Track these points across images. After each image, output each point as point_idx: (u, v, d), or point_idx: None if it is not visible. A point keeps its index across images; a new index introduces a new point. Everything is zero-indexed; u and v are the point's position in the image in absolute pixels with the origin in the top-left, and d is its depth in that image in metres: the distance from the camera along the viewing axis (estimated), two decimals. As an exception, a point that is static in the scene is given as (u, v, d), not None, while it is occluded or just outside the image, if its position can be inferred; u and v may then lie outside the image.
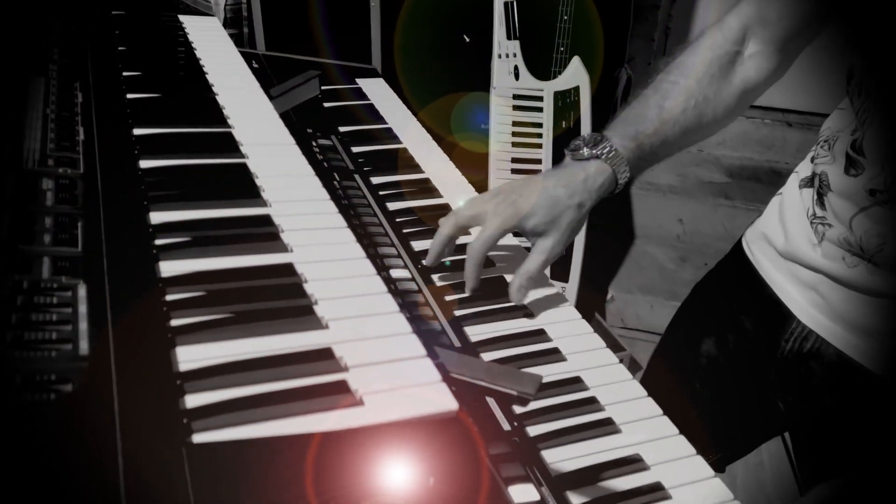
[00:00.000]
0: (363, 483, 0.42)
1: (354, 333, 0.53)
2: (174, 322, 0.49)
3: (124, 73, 0.87)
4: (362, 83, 1.33)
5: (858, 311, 0.75)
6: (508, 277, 0.88)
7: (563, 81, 1.88)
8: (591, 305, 2.02)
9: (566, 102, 1.88)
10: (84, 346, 0.44)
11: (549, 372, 0.79)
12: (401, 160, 1.11)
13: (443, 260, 0.86)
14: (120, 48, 0.93)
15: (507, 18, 1.81)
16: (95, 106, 0.74)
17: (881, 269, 0.72)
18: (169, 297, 0.51)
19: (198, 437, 0.41)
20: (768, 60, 0.84)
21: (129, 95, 0.82)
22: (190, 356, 0.47)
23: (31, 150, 0.62)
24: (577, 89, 1.87)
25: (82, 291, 0.47)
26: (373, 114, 1.23)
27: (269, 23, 1.64)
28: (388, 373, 0.50)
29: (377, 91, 1.32)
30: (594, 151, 0.80)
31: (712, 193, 2.30)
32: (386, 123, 1.21)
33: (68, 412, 0.39)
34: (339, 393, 0.47)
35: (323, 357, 0.50)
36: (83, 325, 0.45)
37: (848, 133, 0.74)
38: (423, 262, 0.86)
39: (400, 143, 1.15)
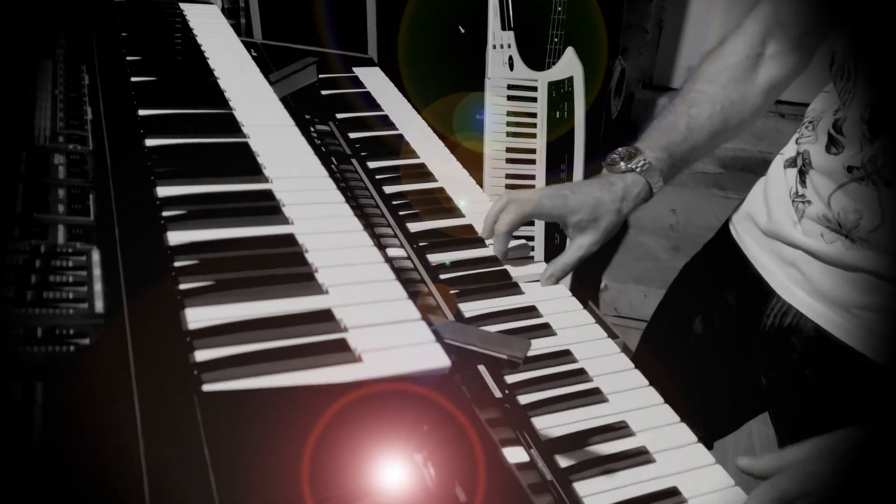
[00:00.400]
0: (365, 438, 0.46)
1: (353, 298, 0.56)
2: (182, 286, 0.52)
3: (128, 58, 0.90)
4: (359, 72, 1.36)
5: (835, 286, 0.79)
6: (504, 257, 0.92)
7: (557, 72, 1.91)
8: (585, 294, 2.05)
9: (560, 92, 1.92)
10: (99, 305, 0.47)
11: (539, 345, 0.83)
12: (396, 146, 1.14)
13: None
14: (123, 34, 0.95)
15: (502, 9, 1.84)
16: (102, 88, 0.77)
17: (857, 244, 0.75)
18: (177, 264, 0.54)
19: (207, 387, 0.44)
20: (789, 58, 0.90)
21: (133, 79, 0.85)
22: (198, 316, 0.50)
23: (42, 128, 0.65)
24: (570, 79, 1.90)
25: (96, 256, 0.51)
26: (369, 101, 1.26)
27: (266, 14, 1.66)
28: (385, 334, 0.53)
29: (373, 80, 1.35)
30: (630, 165, 0.88)
31: (705, 184, 2.34)
32: (382, 111, 1.24)
33: (87, 363, 0.42)
34: (338, 351, 0.50)
35: (323, 319, 0.53)
36: (98, 287, 0.48)
37: (830, 114, 0.78)
38: (494, 251, 0.93)
39: (396, 129, 1.19)
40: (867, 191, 0.73)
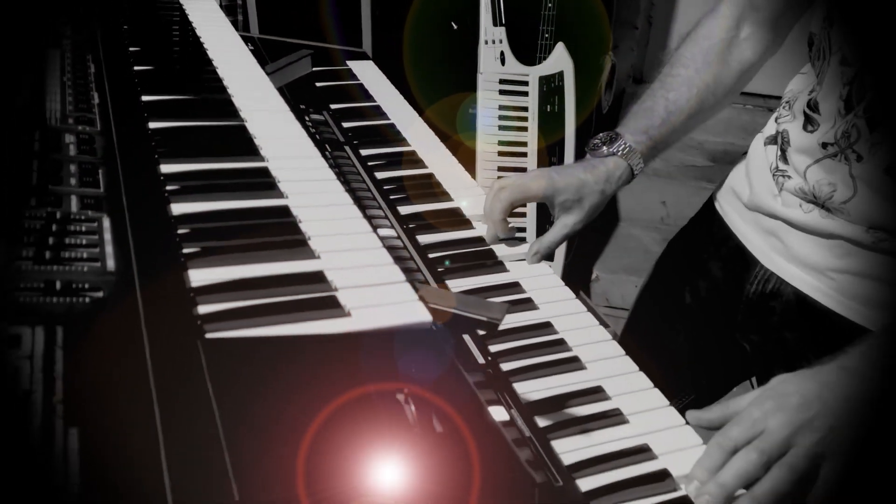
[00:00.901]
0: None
1: (343, 263, 0.61)
2: (185, 250, 0.58)
3: (130, 48, 0.95)
4: (353, 65, 1.42)
5: (813, 252, 0.85)
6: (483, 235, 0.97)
7: (547, 66, 1.97)
8: (576, 286, 2.11)
9: (551, 87, 1.97)
10: (111, 264, 0.52)
11: (522, 318, 0.88)
12: (388, 134, 1.20)
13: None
14: (125, 26, 1.01)
15: (494, 5, 1.89)
16: (107, 75, 0.82)
17: (832, 213, 0.82)
18: (180, 231, 0.59)
19: (210, 335, 0.50)
20: (762, 41, 0.95)
21: (136, 67, 0.90)
22: (200, 276, 0.56)
23: (53, 110, 0.71)
24: (561, 74, 1.96)
25: (106, 223, 0.56)
26: (363, 93, 1.32)
27: (263, 10, 1.72)
28: (373, 293, 0.59)
29: (367, 73, 1.40)
30: (611, 149, 0.94)
31: (695, 177, 2.39)
32: (375, 102, 1.29)
33: (101, 312, 0.48)
34: (330, 307, 0.56)
35: (315, 280, 0.58)
36: (109, 249, 0.53)
37: (806, 93, 0.84)
38: (488, 238, 0.98)
39: (388, 119, 1.24)
40: (840, 165, 0.80)
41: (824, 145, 0.81)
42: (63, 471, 0.36)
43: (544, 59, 2.00)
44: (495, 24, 1.91)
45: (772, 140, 0.92)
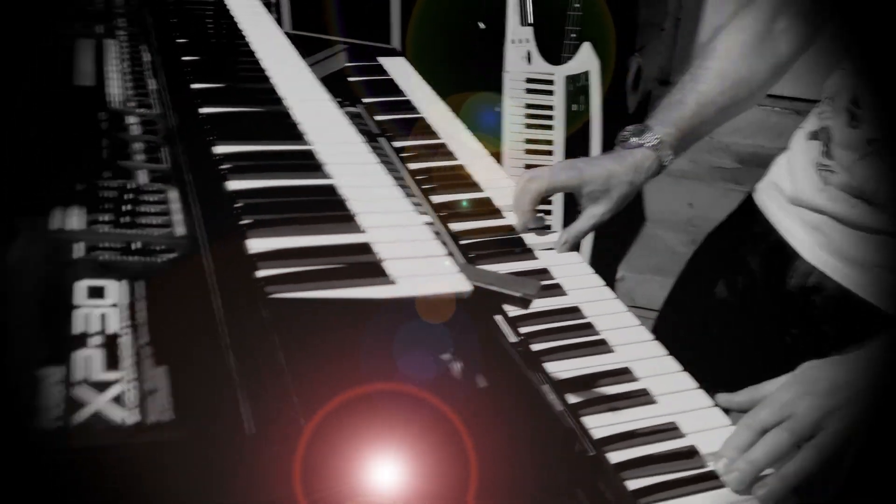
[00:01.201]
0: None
1: (388, 237, 0.67)
2: (243, 221, 0.64)
3: (177, 40, 1.02)
4: (384, 61, 1.48)
5: (857, 247, 0.88)
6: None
7: (574, 66, 2.02)
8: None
9: (577, 86, 2.02)
10: (180, 230, 0.58)
11: (551, 303, 0.93)
12: (420, 127, 1.26)
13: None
14: (172, 19, 1.08)
15: (522, 5, 1.95)
16: (160, 64, 0.89)
17: (877, 208, 0.85)
18: (237, 204, 0.66)
19: (270, 295, 0.56)
20: (798, 34, 0.97)
21: (184, 58, 0.97)
22: (258, 245, 0.62)
23: (114, 94, 0.77)
24: (587, 74, 2.01)
25: (173, 195, 0.62)
26: (394, 87, 1.38)
27: (296, 7, 1.80)
28: (416, 264, 0.64)
29: (398, 68, 1.47)
30: (640, 141, 0.97)
31: (723, 179, 2.43)
32: (405, 96, 1.35)
33: (175, 270, 0.54)
34: (376, 275, 0.61)
35: (363, 251, 0.64)
36: (178, 216, 0.59)
37: (849, 90, 0.87)
38: (517, 227, 1.02)
39: (419, 113, 1.30)
40: (884, 160, 0.83)
41: (870, 141, 0.84)
42: (157, 405, 0.41)
43: (570, 58, 2.05)
44: (523, 24, 1.97)
45: (814, 135, 0.94)
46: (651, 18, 2.48)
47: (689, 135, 0.99)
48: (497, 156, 2.02)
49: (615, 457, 0.72)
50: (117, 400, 0.41)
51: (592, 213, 0.99)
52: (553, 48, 2.04)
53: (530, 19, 1.94)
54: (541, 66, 2.01)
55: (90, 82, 0.77)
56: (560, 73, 2.02)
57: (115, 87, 0.78)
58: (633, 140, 0.98)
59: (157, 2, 1.08)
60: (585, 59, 2.01)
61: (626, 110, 2.34)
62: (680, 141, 0.99)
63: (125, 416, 0.40)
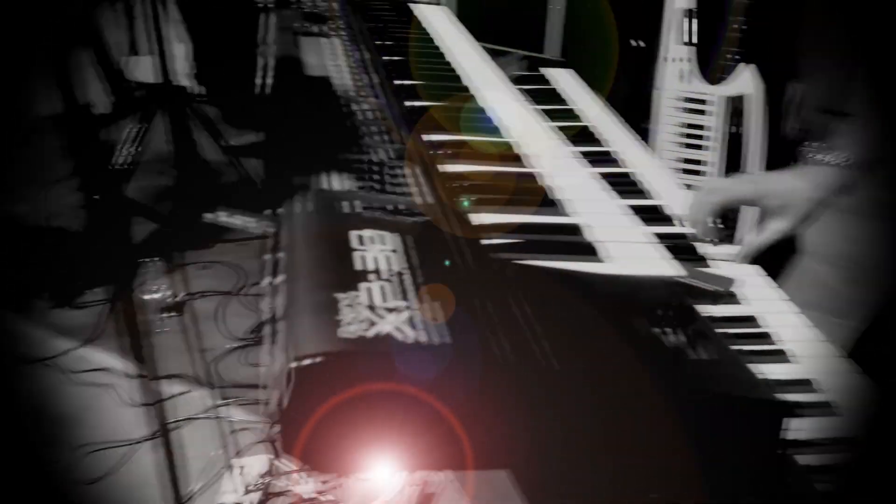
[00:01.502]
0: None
1: (595, 221, 0.73)
2: (463, 196, 0.72)
3: (376, 42, 1.16)
4: (548, 71, 1.56)
5: None
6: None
7: (732, 88, 2.00)
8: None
9: (735, 108, 2.00)
10: (418, 200, 0.67)
11: (725, 310, 0.94)
12: (586, 135, 1.31)
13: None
14: (369, 24, 1.22)
15: (685, 24, 1.97)
16: (371, 62, 1.02)
17: None
18: (452, 186, 0.74)
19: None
20: None
21: (384, 58, 1.10)
22: (478, 219, 0.69)
23: (343, 84, 0.90)
24: (748, 97, 1.99)
25: (407, 170, 0.72)
26: (560, 96, 1.45)
27: (463, 19, 1.95)
28: (624, 248, 0.70)
29: (564, 78, 1.55)
30: (826, 158, 0.98)
31: (886, 216, 2.29)
32: (571, 105, 1.42)
33: (429, 230, 0.63)
34: (588, 253, 0.67)
35: (574, 231, 0.71)
36: (414, 188, 0.68)
37: None
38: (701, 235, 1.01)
39: (583, 121, 1.36)
40: None
41: None
42: (437, 330, 0.50)
43: (724, 78, 2.03)
44: (685, 43, 1.98)
45: None
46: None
47: (881, 161, 0.98)
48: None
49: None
50: (410, 321, 0.51)
51: (774, 228, 1.00)
52: (708, 68, 2.04)
53: (694, 39, 1.96)
54: (698, 86, 2.01)
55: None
56: (718, 93, 2.01)
57: (344, 79, 0.92)
58: (819, 156, 0.99)
59: (359, 9, 1.23)
60: (748, 82, 1.99)
61: (781, 135, 2.28)
62: (869, 164, 0.98)
63: (416, 335, 0.50)
